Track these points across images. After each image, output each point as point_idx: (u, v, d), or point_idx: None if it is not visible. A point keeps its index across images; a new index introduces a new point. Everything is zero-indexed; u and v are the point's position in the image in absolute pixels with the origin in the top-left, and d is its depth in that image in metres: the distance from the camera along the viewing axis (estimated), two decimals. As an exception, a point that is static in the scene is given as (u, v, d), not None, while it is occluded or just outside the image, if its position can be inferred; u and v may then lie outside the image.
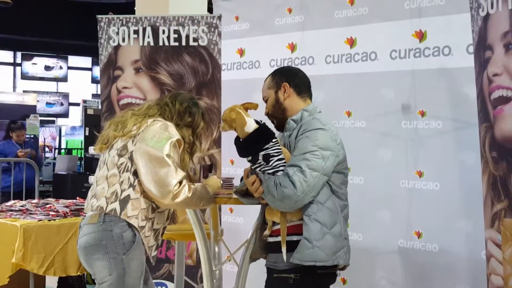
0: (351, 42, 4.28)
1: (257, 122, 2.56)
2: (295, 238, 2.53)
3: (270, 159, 2.48)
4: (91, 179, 4.62)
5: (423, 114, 3.92)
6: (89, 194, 2.72)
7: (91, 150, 5.47)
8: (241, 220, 4.82)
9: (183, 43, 4.56)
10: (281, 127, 2.71)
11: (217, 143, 4.51)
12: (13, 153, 7.64)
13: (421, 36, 3.94)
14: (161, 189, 2.54)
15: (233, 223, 4.80)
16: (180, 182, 2.58)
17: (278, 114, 2.69)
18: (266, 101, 2.75)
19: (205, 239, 3.34)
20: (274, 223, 2.62)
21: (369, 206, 4.07)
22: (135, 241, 2.55)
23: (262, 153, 2.49)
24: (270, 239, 2.65)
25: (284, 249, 2.53)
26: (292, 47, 4.61)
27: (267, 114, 2.74)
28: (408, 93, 3.99)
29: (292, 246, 2.52)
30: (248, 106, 2.60)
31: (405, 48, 4.00)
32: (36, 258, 3.83)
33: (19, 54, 14.74)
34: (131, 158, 2.60)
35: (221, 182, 3.08)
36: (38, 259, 3.84)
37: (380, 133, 4.10)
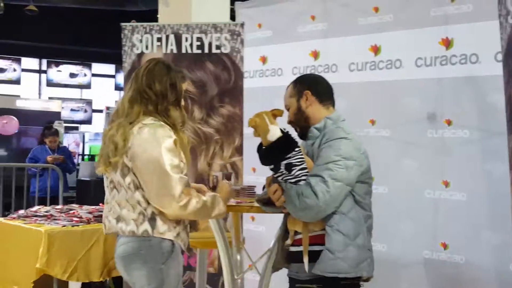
0: (376, 50, 4.24)
1: (281, 130, 2.54)
2: (317, 248, 2.51)
3: (292, 168, 2.47)
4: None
5: (449, 123, 3.85)
6: (108, 215, 2.61)
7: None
8: (263, 229, 4.78)
9: (206, 51, 4.57)
10: (304, 135, 2.69)
11: (239, 150, 4.50)
12: (45, 158, 7.71)
13: (447, 43, 3.89)
14: (165, 199, 2.45)
15: (255, 232, 4.78)
16: (184, 190, 2.46)
17: (301, 122, 2.67)
18: (288, 110, 2.73)
19: (227, 247, 3.33)
20: (296, 233, 2.60)
21: (394, 216, 4.01)
22: (173, 251, 2.54)
23: (284, 162, 2.47)
24: (292, 249, 2.63)
25: (306, 260, 2.51)
26: (315, 55, 4.58)
27: (289, 122, 2.72)
28: (434, 102, 3.93)
29: (314, 256, 2.50)
30: (276, 113, 2.58)
31: (431, 56, 3.94)
32: (59, 264, 3.85)
33: (44, 61, 14.93)
34: (135, 174, 2.51)
35: (240, 188, 3.06)
36: (62, 264, 3.86)
37: (405, 142, 4.05)
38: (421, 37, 4.00)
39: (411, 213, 3.98)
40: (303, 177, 2.47)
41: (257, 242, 4.35)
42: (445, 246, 3.82)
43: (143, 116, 2.55)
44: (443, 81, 3.89)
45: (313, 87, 2.68)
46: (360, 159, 2.51)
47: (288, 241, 2.63)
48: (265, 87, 4.84)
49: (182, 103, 2.67)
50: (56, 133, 8.16)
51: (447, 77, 3.88)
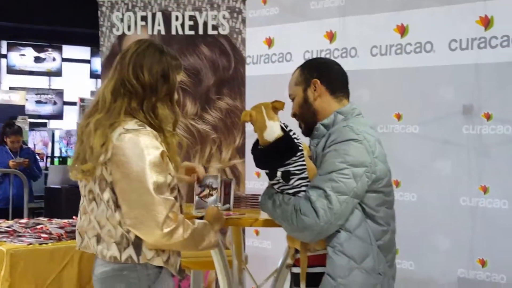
0: (402, 30, 4.31)
1: (282, 128, 2.50)
2: (319, 270, 2.52)
3: (291, 177, 2.47)
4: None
5: (488, 117, 3.94)
6: (87, 230, 2.63)
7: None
8: (268, 245, 4.87)
9: (200, 32, 4.62)
10: (310, 131, 2.67)
11: (240, 152, 4.56)
12: (5, 163, 7.62)
13: (486, 22, 3.96)
14: (145, 224, 2.43)
15: (259, 248, 4.86)
16: (170, 215, 2.43)
17: (307, 117, 2.65)
18: (292, 100, 2.68)
19: (227, 268, 3.39)
20: (297, 251, 2.61)
21: (423, 228, 4.10)
22: (161, 272, 2.58)
23: (282, 169, 2.46)
24: (294, 270, 2.66)
25: (303, 285, 2.54)
26: (331, 36, 4.65)
27: (293, 115, 2.70)
28: (470, 92, 4.02)
29: (316, 280, 2.52)
30: (277, 106, 2.53)
31: (467, 38, 4.04)
32: (26, 289, 3.91)
33: (4, 43, 14.97)
34: (114, 191, 2.49)
35: (242, 196, 3.03)
36: (29, 290, 3.92)
37: (436, 140, 4.13)
38: (455, 15, 4.09)
39: (443, 225, 4.07)
40: (303, 188, 2.46)
41: (262, 260, 4.43)
42: (483, 264, 3.91)
43: (124, 116, 2.51)
44: (482, 68, 3.98)
45: (324, 74, 2.64)
46: (372, 165, 2.46)
47: (289, 261, 2.65)
48: (271, 75, 4.89)
49: (176, 97, 2.64)
50: (18, 131, 8.09)
51: (486, 62, 3.97)
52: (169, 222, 2.42)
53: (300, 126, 2.70)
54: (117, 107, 2.55)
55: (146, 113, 2.55)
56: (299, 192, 2.49)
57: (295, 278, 2.67)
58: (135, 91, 2.55)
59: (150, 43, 2.64)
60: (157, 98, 2.56)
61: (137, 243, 2.52)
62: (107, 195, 2.52)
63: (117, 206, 2.50)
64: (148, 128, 2.51)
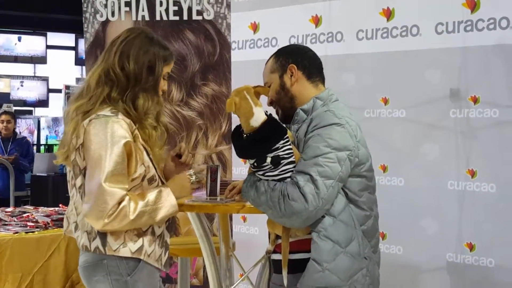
0: (388, 14, 4.30)
1: (265, 113, 2.49)
2: (302, 256, 2.53)
3: (281, 162, 2.45)
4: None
5: (475, 100, 3.93)
6: (70, 215, 2.65)
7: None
8: (256, 231, 4.86)
9: (185, 17, 4.60)
10: (288, 118, 2.68)
11: (226, 138, 4.55)
12: None
13: (473, 5, 3.95)
14: (92, 212, 2.43)
15: (247, 235, 4.85)
16: (120, 202, 2.42)
17: (285, 102, 2.66)
18: (268, 87, 2.68)
19: (214, 255, 3.38)
20: (278, 236, 2.61)
21: (411, 213, 4.09)
22: (140, 261, 2.57)
23: (271, 155, 2.45)
24: (274, 256, 2.66)
25: (284, 272, 2.53)
26: (317, 21, 4.63)
27: (270, 103, 2.70)
28: (457, 76, 4.01)
29: (298, 266, 2.52)
30: (260, 91, 2.52)
31: (453, 21, 4.02)
32: (11, 278, 3.88)
33: (-13, 30, 14.88)
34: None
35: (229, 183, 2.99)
36: (14, 279, 3.89)
37: (423, 124, 4.12)
38: (442, -2, 4.07)
39: (431, 209, 4.06)
40: (288, 173, 2.46)
41: (250, 247, 4.43)
42: (471, 248, 3.91)
43: (101, 104, 2.51)
44: (468, 51, 3.96)
45: (299, 60, 2.67)
46: (355, 149, 2.49)
47: (269, 247, 2.65)
48: (256, 61, 4.83)
49: (163, 88, 2.62)
50: (10, 112, 8.01)
51: (473, 45, 3.95)
52: (114, 212, 2.41)
53: (277, 113, 2.70)
54: (97, 94, 2.54)
55: (125, 103, 2.53)
56: (284, 178, 2.47)
57: (275, 265, 2.66)
58: (118, 80, 2.54)
59: (141, 31, 2.63)
60: (140, 88, 2.54)
61: (102, 233, 2.52)
62: (79, 181, 2.53)
63: None
64: (120, 116, 2.50)
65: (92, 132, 2.45)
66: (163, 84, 2.64)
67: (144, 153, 2.53)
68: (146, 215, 2.48)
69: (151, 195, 2.51)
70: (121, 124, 2.47)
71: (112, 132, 2.44)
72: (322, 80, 2.71)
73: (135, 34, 2.60)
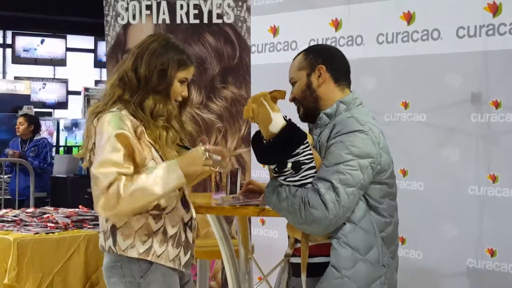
0: (409, 18, 4.28)
1: (284, 118, 2.43)
2: (320, 260, 2.51)
3: (302, 167, 2.43)
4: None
5: (497, 105, 3.90)
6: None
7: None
8: (275, 234, 4.85)
9: (205, 21, 4.61)
10: (308, 117, 2.65)
11: (246, 141, 4.55)
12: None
13: (494, 9, 3.93)
14: (95, 200, 2.44)
15: (266, 238, 4.85)
16: (111, 183, 2.40)
17: (309, 102, 2.61)
18: (292, 84, 2.66)
19: (233, 257, 3.38)
20: (297, 240, 2.59)
21: (431, 218, 4.07)
22: (152, 264, 2.58)
23: (292, 160, 2.42)
24: (293, 260, 2.63)
25: (303, 277, 2.52)
26: (336, 24, 4.62)
27: (293, 99, 2.66)
28: (479, 80, 3.98)
29: (317, 270, 2.50)
30: (277, 96, 2.47)
31: (475, 24, 4.00)
32: (32, 279, 3.90)
33: (9, 33, 14.98)
34: None
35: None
36: (35, 279, 3.91)
37: (444, 128, 4.10)
38: (463, 2, 4.05)
39: (452, 214, 4.04)
40: (310, 179, 2.43)
41: (268, 250, 4.43)
42: (492, 253, 3.88)
43: (112, 106, 2.53)
44: (490, 55, 3.94)
45: (329, 61, 2.61)
46: (377, 156, 2.46)
47: (288, 250, 2.63)
48: (276, 64, 4.88)
49: (182, 93, 2.60)
50: (27, 115, 8.10)
51: (494, 49, 3.93)
52: (105, 193, 2.39)
53: (298, 111, 2.66)
54: (110, 96, 2.57)
55: (134, 104, 2.54)
56: (305, 184, 2.45)
57: (294, 268, 2.64)
58: (130, 83, 2.56)
59: (160, 36, 2.65)
60: (150, 90, 2.55)
61: (113, 232, 2.55)
62: None
63: None
64: (124, 112, 2.52)
65: (97, 127, 2.49)
66: (181, 90, 2.61)
67: (152, 149, 2.52)
68: (143, 189, 2.42)
69: (148, 170, 2.47)
70: (120, 116, 2.49)
71: (108, 124, 2.47)
72: (348, 84, 2.66)
73: (153, 39, 2.61)
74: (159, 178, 2.43)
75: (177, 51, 2.60)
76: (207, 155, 2.48)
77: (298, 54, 2.69)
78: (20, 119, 7.97)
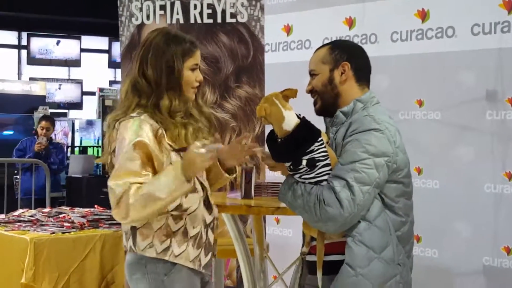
0: (423, 15, 4.27)
1: (297, 116, 2.45)
2: (336, 258, 2.51)
3: (317, 164, 2.43)
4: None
5: (513, 102, 3.88)
6: None
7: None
8: (289, 233, 4.86)
9: (219, 20, 4.63)
10: (324, 112, 2.63)
11: (260, 140, 4.54)
12: (33, 152, 7.61)
13: (510, 6, 3.91)
14: (111, 208, 2.49)
15: (280, 237, 4.85)
16: (123, 193, 2.43)
17: (328, 97, 2.59)
18: (312, 76, 2.61)
19: (248, 256, 3.39)
20: (313, 238, 2.59)
21: (447, 216, 4.05)
22: (175, 264, 2.58)
23: (306, 157, 2.43)
24: (309, 258, 2.64)
25: (319, 274, 2.52)
26: (350, 23, 4.62)
27: (310, 91, 2.63)
28: (494, 77, 3.96)
29: (332, 268, 2.50)
30: (288, 94, 2.48)
31: (490, 22, 3.97)
32: (48, 278, 3.93)
33: (24, 34, 15.04)
34: None
35: (264, 184, 2.91)
36: (51, 278, 3.93)
37: (459, 126, 4.09)
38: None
39: (468, 212, 4.02)
40: (325, 176, 2.43)
41: (284, 249, 4.42)
42: (508, 251, 3.86)
43: (132, 111, 2.54)
44: (505, 52, 3.92)
45: (354, 60, 2.59)
46: (393, 155, 2.45)
47: (304, 248, 2.64)
48: (290, 63, 4.88)
49: (197, 78, 2.58)
50: (50, 118, 8.09)
51: (510, 47, 3.90)
52: (118, 202, 2.43)
53: (314, 104, 2.63)
54: (127, 105, 2.58)
55: (151, 107, 2.55)
56: (321, 181, 2.45)
57: (310, 266, 2.65)
58: (142, 89, 2.57)
59: (157, 33, 2.62)
60: (163, 90, 2.55)
61: (133, 233, 2.58)
62: None
63: None
64: (143, 117, 2.52)
65: (119, 132, 2.52)
66: (194, 76, 2.60)
67: (172, 153, 2.52)
68: (149, 197, 2.43)
69: (154, 176, 2.48)
70: (140, 122, 2.50)
71: (128, 131, 2.49)
72: (368, 84, 2.64)
73: (152, 37, 2.59)
74: (162, 183, 2.45)
75: (178, 42, 2.58)
76: (202, 151, 2.45)
77: (323, 47, 2.65)
78: (45, 123, 7.82)
